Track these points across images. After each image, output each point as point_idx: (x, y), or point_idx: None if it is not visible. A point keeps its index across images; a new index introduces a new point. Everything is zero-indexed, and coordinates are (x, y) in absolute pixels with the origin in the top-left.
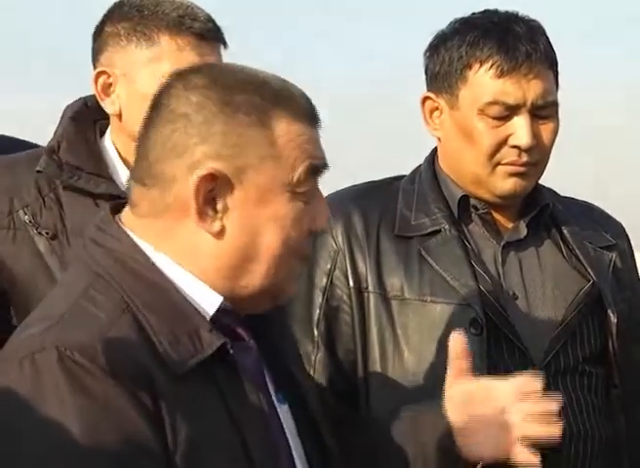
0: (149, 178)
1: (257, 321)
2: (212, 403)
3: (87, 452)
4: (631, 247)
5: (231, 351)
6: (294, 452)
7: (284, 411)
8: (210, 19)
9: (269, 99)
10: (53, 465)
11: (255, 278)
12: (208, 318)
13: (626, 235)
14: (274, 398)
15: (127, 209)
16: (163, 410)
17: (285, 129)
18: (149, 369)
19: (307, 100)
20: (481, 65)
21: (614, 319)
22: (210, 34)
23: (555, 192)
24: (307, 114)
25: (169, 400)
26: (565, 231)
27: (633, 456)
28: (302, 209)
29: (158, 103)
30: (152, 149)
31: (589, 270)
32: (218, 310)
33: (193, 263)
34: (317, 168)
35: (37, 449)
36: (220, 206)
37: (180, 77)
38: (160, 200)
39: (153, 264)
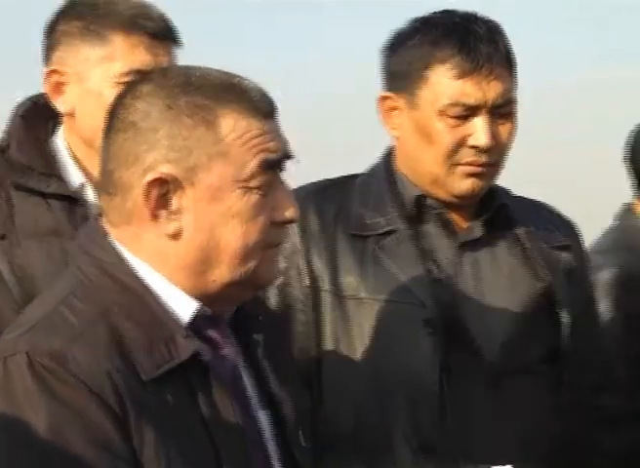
0: (112, 187)
1: (246, 323)
2: (184, 409)
3: (51, 451)
4: (583, 244)
5: (206, 358)
6: (273, 460)
7: (265, 418)
8: (164, 19)
9: (213, 98)
10: (17, 462)
11: (221, 273)
12: (184, 324)
13: (577, 233)
14: (256, 404)
15: (103, 218)
16: (130, 415)
17: (232, 126)
18: (119, 374)
19: (259, 93)
20: (441, 66)
21: (566, 319)
22: (163, 34)
23: (510, 192)
24: (259, 108)
25: (138, 404)
26: (519, 231)
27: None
28: (258, 202)
29: (112, 114)
30: (110, 159)
31: (543, 270)
32: (196, 316)
33: (163, 266)
34: (272, 161)
35: (3, 446)
36: (174, 207)
37: (129, 86)
38: (123, 207)
39: (132, 271)
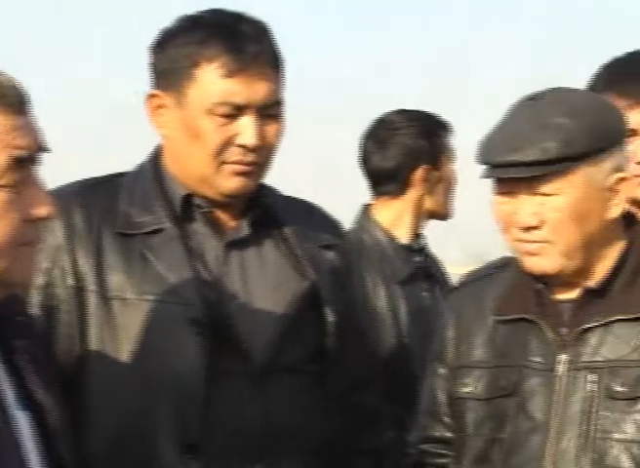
0: None
1: (5, 325)
2: None
3: None
4: (347, 246)
5: None
6: (30, 461)
7: (25, 419)
8: None
9: None
10: None
11: None
12: None
13: (344, 234)
14: (13, 404)
15: None
16: None
17: None
18: None
19: (9, 87)
20: (209, 64)
21: (330, 318)
22: None
23: (277, 191)
24: (7, 103)
25: None
26: (286, 230)
27: (345, 454)
28: (9, 199)
29: None
30: None
31: (308, 269)
32: None
33: None
34: (22, 158)
35: None
36: None
37: None
38: None
39: None
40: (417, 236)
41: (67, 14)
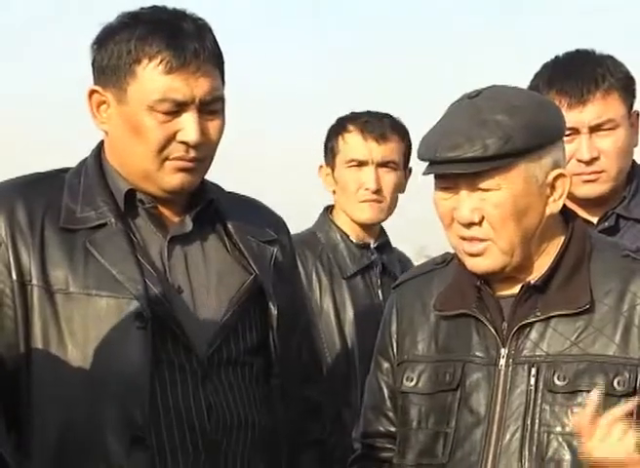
0: None
1: None
2: None
3: None
4: (290, 239)
5: None
6: None
7: None
8: None
9: None
10: None
11: None
12: None
13: (287, 230)
14: None
15: None
16: None
17: None
18: None
19: None
20: (150, 61)
21: (274, 311)
22: None
23: (221, 188)
24: None
25: None
26: (229, 226)
27: (289, 446)
28: None
29: None
30: None
31: (252, 264)
32: None
33: None
34: None
35: None
36: None
37: None
38: None
39: None
40: (377, 234)
41: None
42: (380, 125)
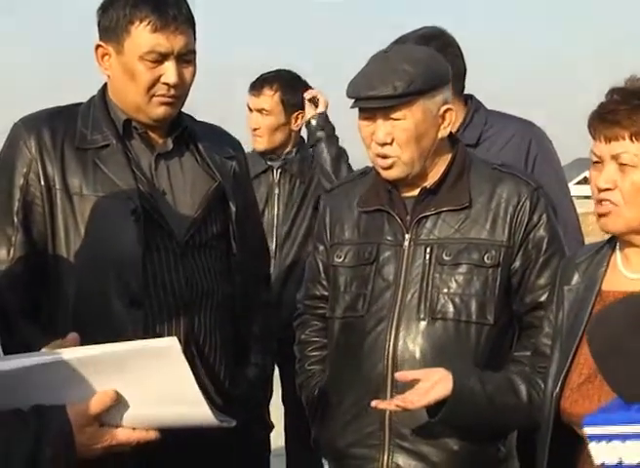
0: None
1: None
2: None
3: None
4: (245, 155)
5: None
6: None
7: None
8: None
9: None
10: None
11: None
12: None
13: (242, 149)
14: None
15: None
16: None
17: None
18: None
19: None
20: (140, 23)
21: (233, 208)
22: None
23: (193, 118)
24: None
25: None
26: (199, 145)
27: (244, 306)
28: None
29: None
30: None
31: (216, 173)
32: None
33: None
34: None
35: None
36: None
37: None
38: None
39: None
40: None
41: None
42: None
